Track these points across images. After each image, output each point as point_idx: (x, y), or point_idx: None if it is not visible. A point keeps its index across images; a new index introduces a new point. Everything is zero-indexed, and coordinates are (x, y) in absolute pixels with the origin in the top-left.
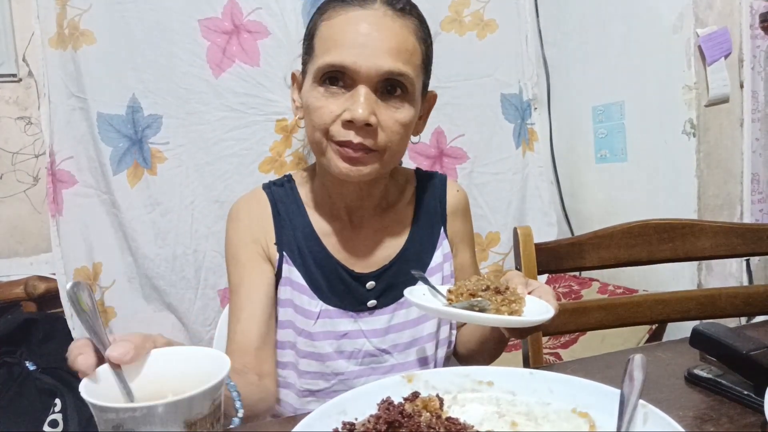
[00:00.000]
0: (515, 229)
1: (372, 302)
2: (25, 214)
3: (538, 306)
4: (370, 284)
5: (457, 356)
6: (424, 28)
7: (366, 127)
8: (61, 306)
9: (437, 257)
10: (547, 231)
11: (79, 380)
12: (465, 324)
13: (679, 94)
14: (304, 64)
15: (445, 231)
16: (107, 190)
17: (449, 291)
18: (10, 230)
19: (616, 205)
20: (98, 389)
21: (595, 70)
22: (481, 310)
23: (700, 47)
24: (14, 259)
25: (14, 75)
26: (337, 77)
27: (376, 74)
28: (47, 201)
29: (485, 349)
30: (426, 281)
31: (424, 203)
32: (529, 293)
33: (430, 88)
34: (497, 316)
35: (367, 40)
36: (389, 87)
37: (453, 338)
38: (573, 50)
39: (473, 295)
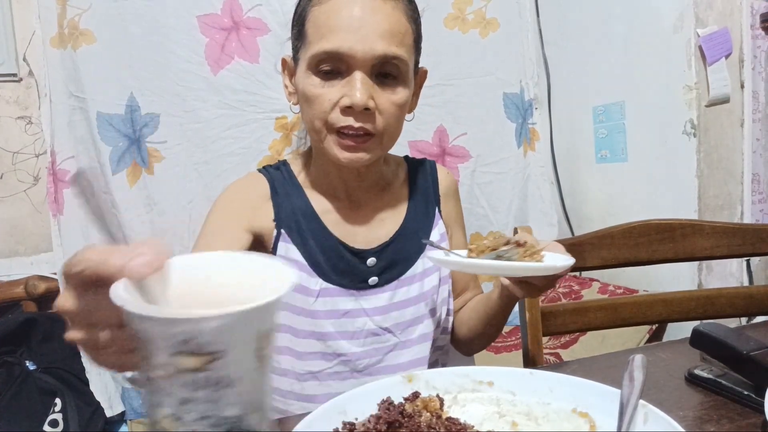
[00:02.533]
0: (515, 230)
1: (373, 279)
2: (26, 213)
3: (554, 257)
4: (371, 261)
5: (458, 342)
6: (413, 6)
7: (365, 112)
8: None
9: (434, 235)
10: (548, 231)
11: (79, 379)
12: (463, 306)
13: (680, 94)
14: (296, 50)
15: (440, 212)
16: (107, 190)
17: (470, 250)
18: (10, 230)
19: (616, 205)
20: (127, 302)
21: (596, 70)
22: (509, 261)
23: (700, 47)
24: (14, 258)
25: (15, 75)
26: (332, 63)
27: (372, 58)
28: (48, 201)
29: (490, 323)
30: (436, 246)
31: (418, 184)
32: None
33: (432, 83)
34: (529, 264)
35: (361, 24)
36: (384, 69)
37: (450, 324)
38: (573, 50)
39: (495, 250)
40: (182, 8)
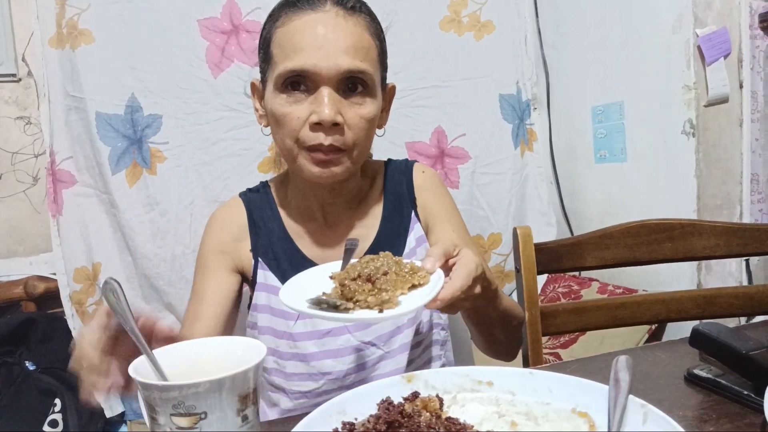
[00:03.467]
0: (515, 230)
1: None
2: (25, 214)
3: (433, 289)
4: None
5: (479, 347)
6: (376, 23)
7: (334, 127)
8: (61, 306)
9: (410, 242)
10: (547, 231)
11: (79, 380)
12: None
13: (679, 94)
14: (263, 72)
15: (416, 213)
16: (106, 190)
17: (332, 277)
18: (9, 230)
19: (615, 205)
20: (141, 376)
21: (595, 70)
22: (334, 307)
23: (699, 47)
24: (14, 259)
25: (14, 75)
26: (298, 81)
27: (337, 74)
28: (47, 201)
29: (477, 327)
30: (351, 253)
31: (394, 191)
32: (451, 265)
33: (428, 85)
34: (338, 315)
35: (324, 41)
36: (350, 85)
37: (442, 320)
38: (572, 50)
39: (343, 285)
40: (183, 12)
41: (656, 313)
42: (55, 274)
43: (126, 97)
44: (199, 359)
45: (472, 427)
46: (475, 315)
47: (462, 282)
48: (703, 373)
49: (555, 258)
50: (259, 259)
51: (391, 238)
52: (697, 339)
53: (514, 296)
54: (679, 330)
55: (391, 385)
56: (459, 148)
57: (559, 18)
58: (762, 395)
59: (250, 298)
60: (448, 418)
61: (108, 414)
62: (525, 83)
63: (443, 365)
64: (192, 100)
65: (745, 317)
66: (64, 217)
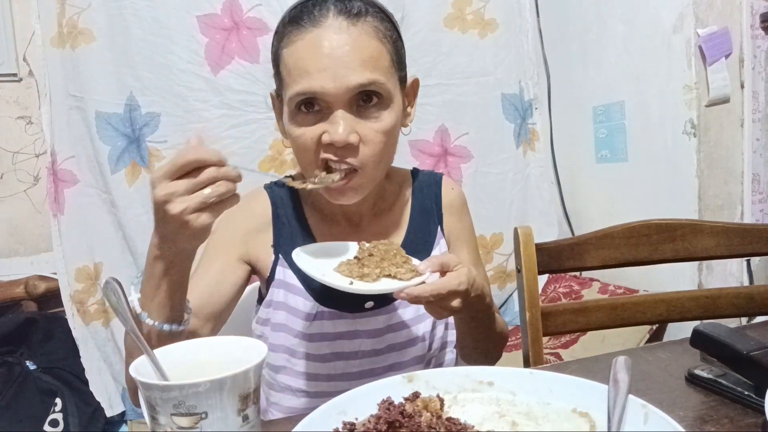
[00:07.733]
0: (516, 229)
1: (369, 303)
2: (26, 213)
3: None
4: None
5: (460, 354)
6: (385, 23)
7: (346, 146)
8: (61, 305)
9: (434, 255)
10: (548, 231)
11: (79, 379)
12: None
13: (680, 94)
14: (278, 88)
15: (442, 230)
16: (106, 189)
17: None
18: (10, 230)
19: (616, 205)
20: (142, 376)
21: (596, 70)
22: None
23: (700, 47)
24: (14, 258)
25: (15, 74)
26: (311, 103)
27: (347, 92)
28: (48, 200)
29: (466, 336)
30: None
31: (420, 203)
32: (444, 272)
33: (432, 83)
34: (329, 280)
35: (330, 61)
36: (365, 97)
37: (453, 338)
38: (574, 50)
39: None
40: (182, 8)
41: (657, 313)
42: (56, 273)
43: (125, 95)
44: (199, 359)
45: (473, 427)
46: (469, 330)
47: (434, 288)
48: (703, 374)
49: (556, 258)
50: (280, 256)
51: (416, 249)
52: (697, 339)
53: (515, 296)
54: (680, 330)
55: (392, 385)
56: (462, 147)
57: (561, 17)
58: (763, 396)
59: (260, 293)
60: (449, 418)
61: (108, 413)
62: (527, 82)
63: None
64: (191, 98)
65: (746, 318)
66: (65, 216)
